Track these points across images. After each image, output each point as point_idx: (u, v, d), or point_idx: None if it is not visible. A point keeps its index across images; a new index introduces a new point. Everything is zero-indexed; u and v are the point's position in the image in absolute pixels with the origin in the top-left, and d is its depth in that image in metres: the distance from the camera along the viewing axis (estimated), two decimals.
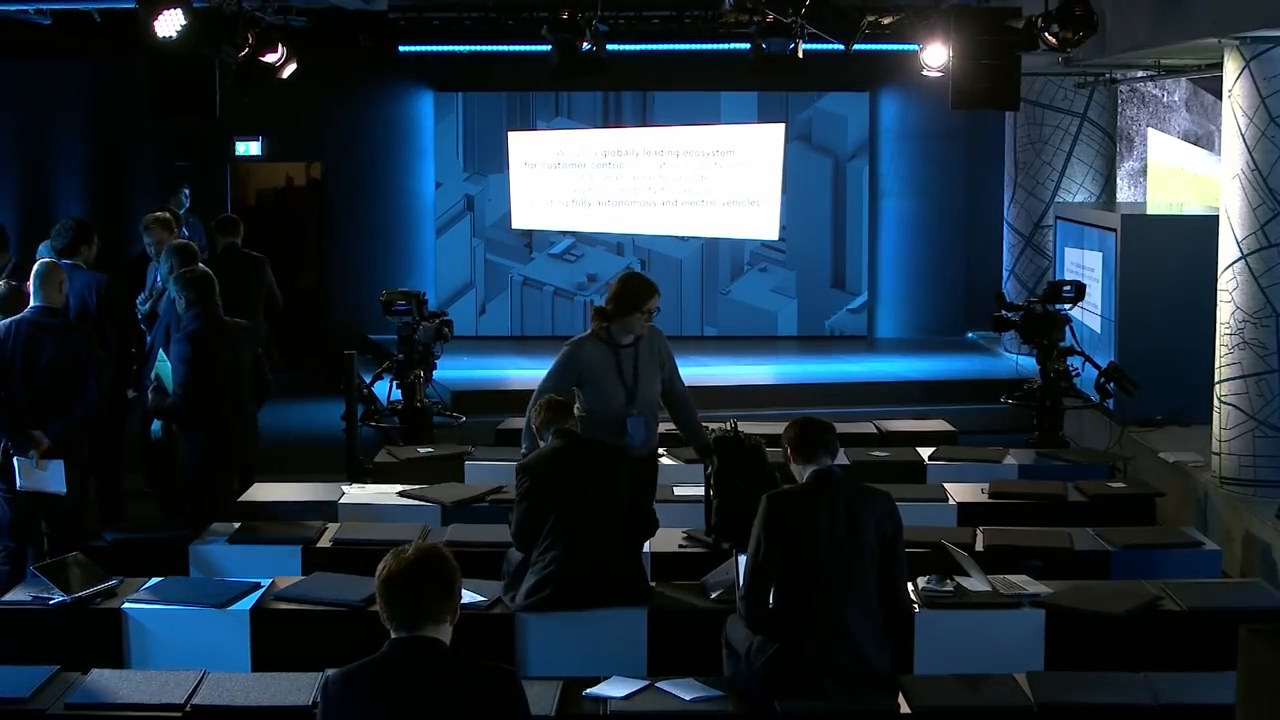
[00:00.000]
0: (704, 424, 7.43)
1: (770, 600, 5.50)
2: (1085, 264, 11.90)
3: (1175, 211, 12.69)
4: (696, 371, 13.64)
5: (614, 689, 5.53)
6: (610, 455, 6.46)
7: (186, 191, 13.42)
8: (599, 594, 6.23)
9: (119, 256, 9.63)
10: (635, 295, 7.08)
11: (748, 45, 10.75)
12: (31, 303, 7.53)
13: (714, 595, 6.38)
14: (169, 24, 8.53)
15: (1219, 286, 9.00)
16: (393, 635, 3.95)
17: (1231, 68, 8.77)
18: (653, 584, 6.48)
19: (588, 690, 5.53)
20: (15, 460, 7.29)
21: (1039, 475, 8.83)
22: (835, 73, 14.12)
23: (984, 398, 12.18)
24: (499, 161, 15.55)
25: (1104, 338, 11.38)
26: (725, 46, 13.40)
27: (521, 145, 15.56)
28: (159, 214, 9.78)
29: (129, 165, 15.46)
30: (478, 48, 14.60)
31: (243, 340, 8.06)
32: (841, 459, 8.01)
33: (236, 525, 7.60)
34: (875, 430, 9.83)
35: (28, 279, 7.67)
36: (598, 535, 6.27)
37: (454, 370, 12.49)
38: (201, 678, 5.54)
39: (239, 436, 7.99)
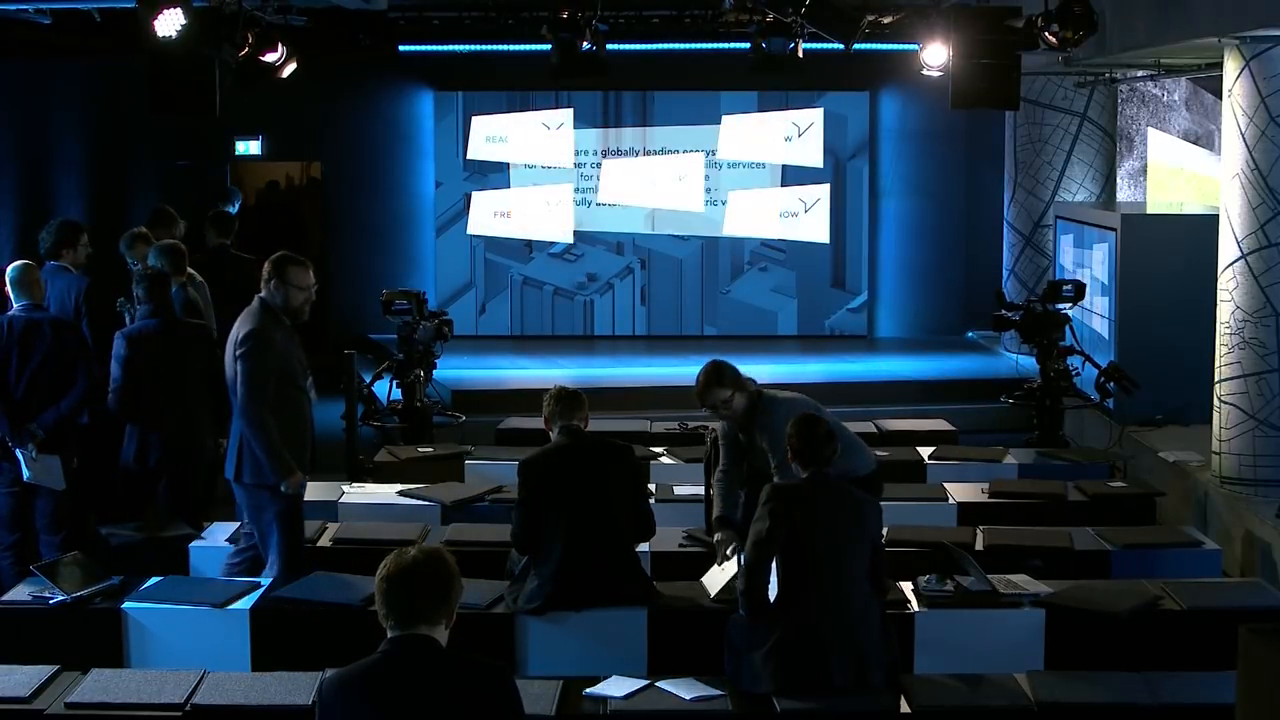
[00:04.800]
0: (705, 424, 7.43)
1: (770, 584, 5.61)
2: (1085, 264, 11.90)
3: (1175, 211, 12.68)
4: (697, 371, 13.65)
5: (614, 689, 5.54)
6: (614, 454, 6.46)
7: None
8: (600, 594, 6.23)
9: (118, 258, 9.59)
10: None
11: (748, 45, 10.75)
12: (14, 304, 7.59)
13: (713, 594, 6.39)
14: (169, 24, 8.53)
15: (1219, 286, 9.00)
16: (389, 634, 3.96)
17: (1231, 67, 8.77)
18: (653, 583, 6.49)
19: (588, 690, 5.54)
20: (18, 453, 7.36)
21: (1039, 475, 8.83)
22: (835, 73, 14.12)
23: (984, 397, 12.18)
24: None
25: (1106, 338, 11.38)
26: (725, 46, 13.41)
27: None
28: (139, 230, 9.70)
29: (129, 165, 15.45)
30: (478, 47, 14.59)
31: (195, 342, 8.05)
32: None
33: (237, 525, 7.61)
34: (875, 430, 9.83)
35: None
36: (600, 534, 6.27)
37: (454, 370, 12.49)
38: (201, 677, 5.54)
39: (177, 436, 7.93)
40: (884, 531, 6.40)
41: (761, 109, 15.43)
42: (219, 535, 7.49)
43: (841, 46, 10.22)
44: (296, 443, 6.88)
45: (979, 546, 7.19)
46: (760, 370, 13.75)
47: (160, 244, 8.97)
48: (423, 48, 14.63)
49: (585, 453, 6.38)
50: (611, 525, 6.32)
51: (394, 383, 10.72)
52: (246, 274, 10.23)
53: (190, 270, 9.08)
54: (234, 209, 12.67)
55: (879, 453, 9.07)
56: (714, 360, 6.94)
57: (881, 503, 6.14)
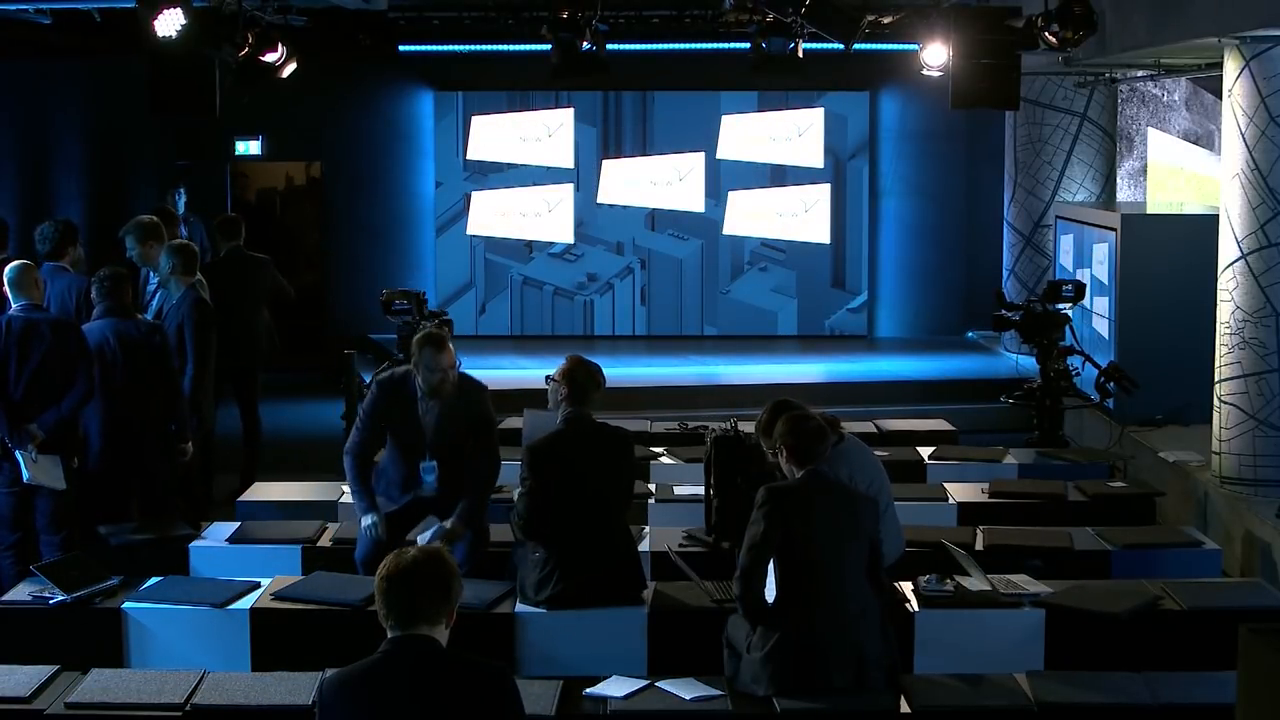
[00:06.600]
0: (705, 424, 7.43)
1: (766, 586, 5.57)
2: (1085, 264, 11.89)
3: (1175, 211, 12.68)
4: (697, 371, 13.68)
5: (614, 689, 5.54)
6: (615, 440, 6.49)
7: (181, 192, 13.36)
8: (598, 580, 6.24)
9: (118, 257, 9.58)
10: None
11: (748, 45, 10.74)
12: (13, 304, 7.57)
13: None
14: (169, 24, 8.54)
15: (1219, 286, 9.00)
16: (389, 634, 3.96)
17: (1231, 67, 8.77)
18: (652, 583, 6.49)
19: (588, 690, 5.54)
20: (18, 454, 7.36)
21: (1039, 475, 8.83)
22: (835, 72, 14.12)
23: (984, 398, 12.18)
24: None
25: (1106, 338, 11.37)
26: (725, 46, 13.41)
27: None
28: (142, 219, 9.65)
29: (129, 165, 15.45)
30: (478, 47, 14.60)
31: (144, 348, 7.98)
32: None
33: (236, 525, 7.62)
34: (875, 430, 9.83)
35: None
36: (599, 519, 6.31)
37: None
38: (201, 677, 5.54)
39: (110, 438, 7.90)
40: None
41: (761, 109, 15.43)
42: (219, 535, 7.49)
43: (841, 46, 10.19)
44: (395, 489, 7.03)
45: (979, 546, 7.19)
46: (760, 370, 13.80)
47: (172, 244, 8.94)
48: (423, 48, 14.63)
49: (586, 438, 6.40)
50: (611, 510, 6.38)
51: None
52: (262, 274, 10.28)
53: (118, 267, 8.99)
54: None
55: (879, 453, 9.09)
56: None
57: None
